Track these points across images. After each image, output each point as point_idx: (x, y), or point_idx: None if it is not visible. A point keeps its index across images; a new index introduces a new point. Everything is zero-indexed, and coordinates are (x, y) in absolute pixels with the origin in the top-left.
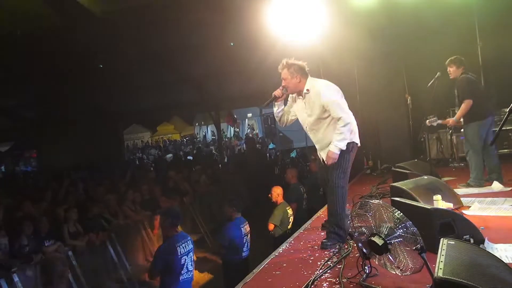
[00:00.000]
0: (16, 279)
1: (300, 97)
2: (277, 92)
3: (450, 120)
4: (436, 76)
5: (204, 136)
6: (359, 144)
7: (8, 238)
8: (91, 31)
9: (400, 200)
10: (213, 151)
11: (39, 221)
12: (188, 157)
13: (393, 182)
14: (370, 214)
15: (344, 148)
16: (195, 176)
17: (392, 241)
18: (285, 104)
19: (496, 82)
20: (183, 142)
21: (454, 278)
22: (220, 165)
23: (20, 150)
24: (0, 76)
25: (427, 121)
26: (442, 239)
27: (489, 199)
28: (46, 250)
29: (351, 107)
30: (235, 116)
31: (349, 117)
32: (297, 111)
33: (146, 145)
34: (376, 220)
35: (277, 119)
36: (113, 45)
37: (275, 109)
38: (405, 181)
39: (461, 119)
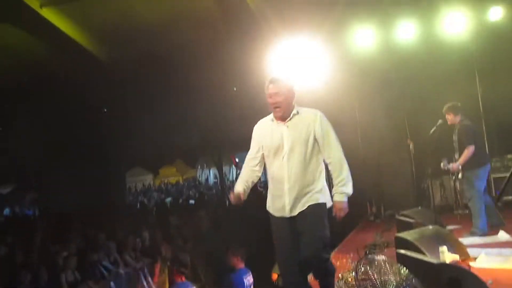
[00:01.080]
0: None
1: (283, 122)
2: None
3: (454, 166)
4: (438, 124)
5: (207, 179)
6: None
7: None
8: (96, 76)
9: (406, 253)
10: (215, 194)
11: (37, 270)
12: (190, 201)
13: (398, 231)
14: (375, 270)
15: (350, 192)
16: (196, 221)
17: None
18: None
19: (497, 127)
20: (185, 185)
21: None
22: (222, 210)
23: (21, 193)
24: (5, 119)
25: (442, 164)
26: None
27: (496, 250)
28: None
29: (353, 151)
30: (237, 160)
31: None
32: (271, 146)
33: (148, 188)
34: (381, 276)
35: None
36: (117, 89)
37: None
38: (410, 231)
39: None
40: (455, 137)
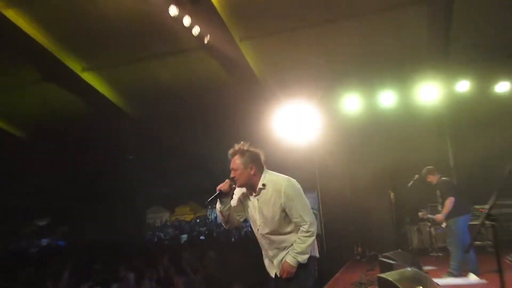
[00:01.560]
0: None
1: (253, 193)
2: (224, 187)
3: (439, 216)
4: (415, 178)
5: (216, 218)
6: (318, 256)
7: None
8: (125, 129)
9: None
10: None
11: None
12: (201, 237)
13: (380, 272)
14: None
15: (304, 261)
16: (205, 255)
17: None
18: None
19: (466, 180)
20: (198, 223)
21: None
22: (228, 245)
23: (55, 225)
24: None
25: (420, 213)
26: None
27: None
28: None
29: (342, 199)
30: None
31: (314, 221)
32: (248, 210)
33: (165, 224)
34: None
35: (222, 219)
36: (142, 140)
37: (219, 207)
38: (391, 272)
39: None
40: (438, 192)
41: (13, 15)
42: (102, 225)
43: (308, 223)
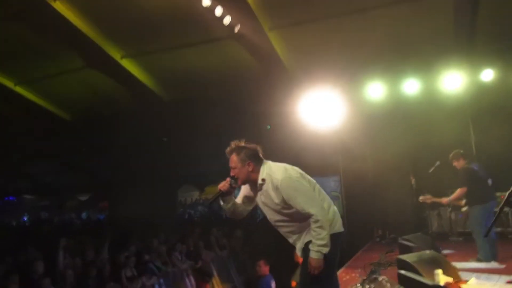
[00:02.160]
0: None
1: (256, 188)
2: (224, 186)
3: (444, 199)
4: (436, 164)
5: None
6: (342, 230)
7: (76, 278)
8: (159, 112)
9: (405, 274)
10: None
11: (103, 266)
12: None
13: (399, 254)
14: None
15: (327, 251)
16: (232, 233)
17: None
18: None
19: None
20: None
21: None
22: (252, 223)
23: (95, 201)
24: (88, 144)
25: (420, 197)
26: None
27: (485, 275)
28: None
29: (364, 183)
30: None
31: (321, 209)
32: (259, 203)
33: (195, 202)
34: None
35: (230, 215)
36: (175, 123)
37: (222, 205)
38: (410, 254)
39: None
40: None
41: (60, 7)
42: (138, 202)
43: (314, 214)
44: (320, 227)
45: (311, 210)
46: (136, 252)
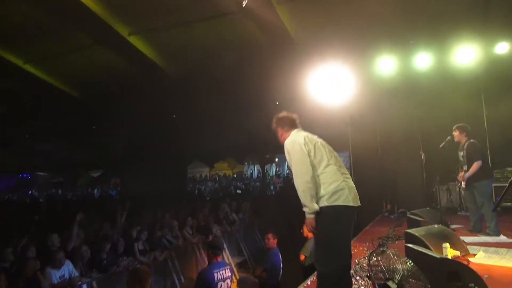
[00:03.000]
0: (95, 285)
1: None
2: None
3: (462, 175)
4: (447, 139)
5: (251, 174)
6: (348, 205)
7: (91, 252)
8: (167, 89)
9: (413, 247)
10: (258, 187)
11: (116, 241)
12: (238, 191)
13: (408, 228)
14: (386, 261)
15: (310, 213)
16: (242, 208)
17: (404, 287)
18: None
19: (499, 143)
20: (235, 178)
21: None
22: (263, 199)
23: (107, 177)
24: (98, 122)
25: (460, 177)
26: None
27: (493, 248)
28: (120, 263)
29: (373, 158)
30: (277, 159)
31: (304, 178)
32: None
33: (205, 178)
34: (391, 266)
35: None
36: (183, 99)
37: None
38: (418, 228)
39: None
40: (462, 153)
41: None
42: (148, 178)
43: (296, 181)
44: (301, 192)
45: (293, 170)
46: (148, 227)
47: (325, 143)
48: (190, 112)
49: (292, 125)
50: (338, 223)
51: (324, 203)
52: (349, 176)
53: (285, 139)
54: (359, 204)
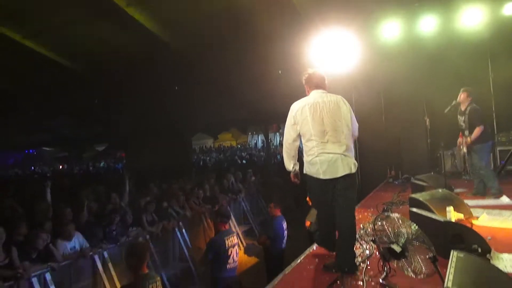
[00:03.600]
0: (106, 255)
1: None
2: None
3: (468, 140)
4: (452, 104)
5: (255, 144)
6: (318, 177)
7: (100, 224)
8: (169, 61)
9: (417, 211)
10: (263, 157)
11: (125, 212)
12: (243, 161)
13: (412, 193)
14: (391, 225)
15: (287, 168)
16: (247, 178)
17: (409, 250)
18: None
19: (505, 106)
20: (239, 148)
21: None
22: (267, 169)
23: (112, 151)
24: (101, 96)
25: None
26: (452, 251)
27: (496, 211)
28: (130, 234)
29: (377, 125)
30: (281, 130)
31: (285, 144)
32: None
33: (209, 149)
34: (395, 230)
35: None
36: (184, 72)
37: None
38: (422, 193)
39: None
40: (464, 118)
41: None
42: (153, 151)
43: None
44: (283, 152)
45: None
46: (155, 198)
47: (322, 109)
48: (192, 84)
49: (311, 85)
50: (312, 190)
51: (305, 170)
52: (334, 148)
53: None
54: (337, 176)
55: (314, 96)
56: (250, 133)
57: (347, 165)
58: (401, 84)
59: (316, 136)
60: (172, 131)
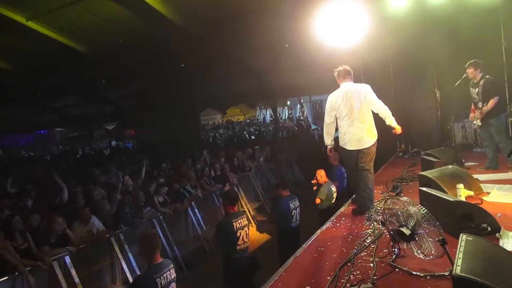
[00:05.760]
0: (122, 237)
1: None
2: None
3: (484, 109)
4: (463, 77)
5: (264, 118)
6: (348, 148)
7: (114, 206)
8: (174, 37)
9: (427, 190)
10: (271, 131)
11: (137, 194)
12: (252, 137)
13: (422, 169)
14: (400, 207)
15: (326, 143)
16: (256, 154)
17: (418, 232)
18: None
19: None
20: (247, 123)
21: (470, 276)
22: (276, 143)
23: (121, 129)
24: (107, 75)
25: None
26: (461, 235)
27: (507, 185)
28: (143, 215)
29: (386, 99)
30: (288, 102)
31: (325, 123)
32: None
33: (218, 125)
34: (404, 213)
35: None
36: (190, 48)
37: None
38: (432, 170)
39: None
40: (477, 90)
41: None
42: (162, 128)
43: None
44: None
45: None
46: (166, 179)
47: (350, 96)
48: (199, 60)
49: (341, 78)
50: (344, 158)
51: (340, 142)
52: (359, 125)
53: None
54: (363, 147)
55: (344, 86)
56: (258, 108)
57: (368, 139)
58: (410, 56)
59: (346, 116)
60: (180, 107)
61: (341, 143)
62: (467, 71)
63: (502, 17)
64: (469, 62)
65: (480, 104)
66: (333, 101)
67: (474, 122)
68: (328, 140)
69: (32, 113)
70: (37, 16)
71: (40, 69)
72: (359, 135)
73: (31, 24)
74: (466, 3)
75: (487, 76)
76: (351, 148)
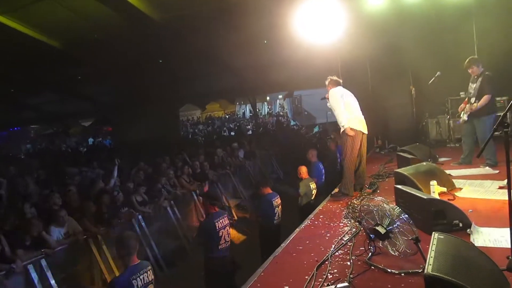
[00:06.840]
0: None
1: None
2: None
3: (475, 105)
4: (436, 75)
5: (243, 114)
6: (356, 129)
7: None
8: (152, 33)
9: (402, 188)
10: (251, 127)
11: (114, 195)
12: (231, 133)
13: (398, 166)
14: (375, 208)
15: (343, 124)
16: (236, 152)
17: (392, 231)
18: None
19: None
20: (227, 119)
21: (441, 275)
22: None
23: (99, 126)
24: (84, 71)
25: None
26: (433, 233)
27: (478, 181)
28: (121, 216)
29: (363, 96)
30: (268, 98)
31: (340, 110)
32: None
33: (197, 121)
34: (380, 212)
35: None
36: (169, 44)
37: None
38: (407, 167)
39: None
40: (475, 85)
41: None
42: (140, 125)
43: (336, 110)
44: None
45: (337, 110)
46: (145, 177)
47: (350, 95)
48: (178, 56)
49: (333, 85)
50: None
51: (349, 124)
52: (360, 114)
53: (330, 89)
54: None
55: (340, 88)
56: (237, 103)
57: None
58: (387, 53)
59: (352, 104)
60: (158, 103)
61: (348, 124)
62: (469, 70)
63: (474, 16)
64: (467, 60)
65: (473, 100)
66: (340, 91)
67: (461, 115)
68: (343, 122)
69: (5, 110)
70: (10, 11)
71: (13, 64)
72: (364, 122)
73: (2, 19)
74: (440, 2)
75: (487, 73)
76: (357, 128)
